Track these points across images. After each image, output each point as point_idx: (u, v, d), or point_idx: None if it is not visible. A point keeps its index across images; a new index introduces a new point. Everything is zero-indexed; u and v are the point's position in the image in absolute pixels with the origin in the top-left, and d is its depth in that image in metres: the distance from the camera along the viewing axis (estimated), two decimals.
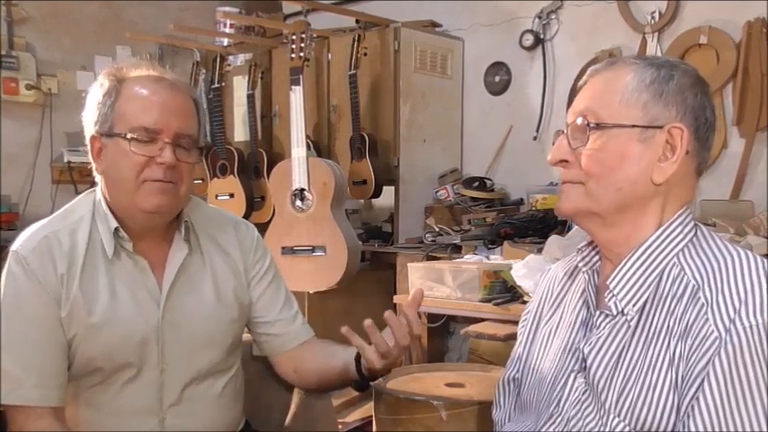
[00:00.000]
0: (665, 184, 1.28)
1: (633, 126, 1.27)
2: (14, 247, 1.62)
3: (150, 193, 1.59)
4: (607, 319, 1.32)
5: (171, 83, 1.65)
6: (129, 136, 1.57)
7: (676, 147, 1.27)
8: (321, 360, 1.80)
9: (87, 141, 1.66)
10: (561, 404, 1.35)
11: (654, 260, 1.29)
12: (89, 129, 1.65)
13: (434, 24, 4.72)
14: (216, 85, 4.69)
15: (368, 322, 1.53)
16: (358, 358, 1.70)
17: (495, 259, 3.47)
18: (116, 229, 1.63)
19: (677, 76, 1.28)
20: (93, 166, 1.67)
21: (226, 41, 5.25)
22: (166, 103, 1.61)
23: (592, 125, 1.28)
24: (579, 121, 1.30)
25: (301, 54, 4.05)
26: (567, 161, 1.33)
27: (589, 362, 1.31)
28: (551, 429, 1.36)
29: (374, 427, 1.98)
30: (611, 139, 1.28)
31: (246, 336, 1.89)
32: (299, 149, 3.97)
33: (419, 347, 1.61)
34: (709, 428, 1.13)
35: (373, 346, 1.56)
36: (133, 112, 1.59)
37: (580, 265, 1.43)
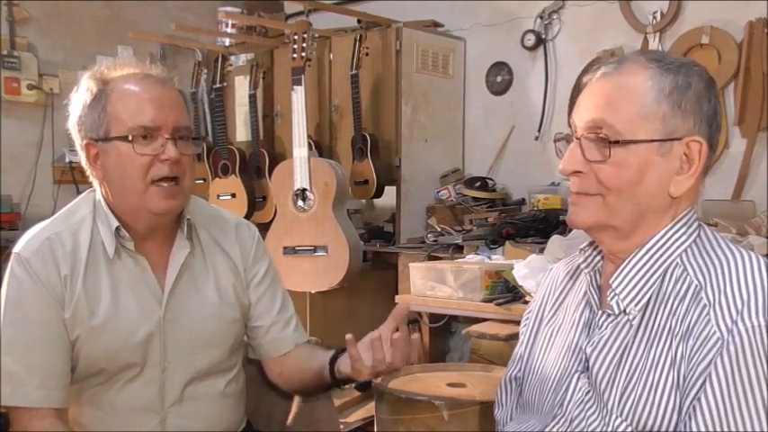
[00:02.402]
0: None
1: (653, 140, 1.25)
2: (17, 249, 1.61)
3: (158, 197, 1.58)
4: (609, 319, 1.32)
5: (157, 78, 1.63)
6: (130, 137, 1.56)
7: (694, 160, 1.25)
8: (302, 362, 1.79)
9: (81, 149, 1.64)
10: (565, 405, 1.35)
11: (657, 260, 1.28)
12: (80, 135, 1.62)
13: (436, 24, 4.73)
14: (218, 85, 4.69)
15: (375, 335, 1.55)
16: (332, 361, 1.70)
17: (497, 259, 3.47)
18: (117, 228, 1.63)
19: (694, 82, 1.25)
20: (91, 172, 1.65)
21: (227, 41, 5.26)
22: (159, 98, 1.59)
23: (612, 141, 1.25)
24: (594, 134, 1.27)
25: (303, 54, 4.05)
26: (580, 172, 1.31)
27: (591, 362, 1.31)
28: (555, 430, 1.36)
29: (376, 427, 1.98)
30: (631, 154, 1.25)
31: None
32: (300, 149, 3.97)
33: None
34: (711, 429, 1.13)
35: (372, 360, 1.56)
36: (128, 113, 1.57)
37: (582, 265, 1.43)
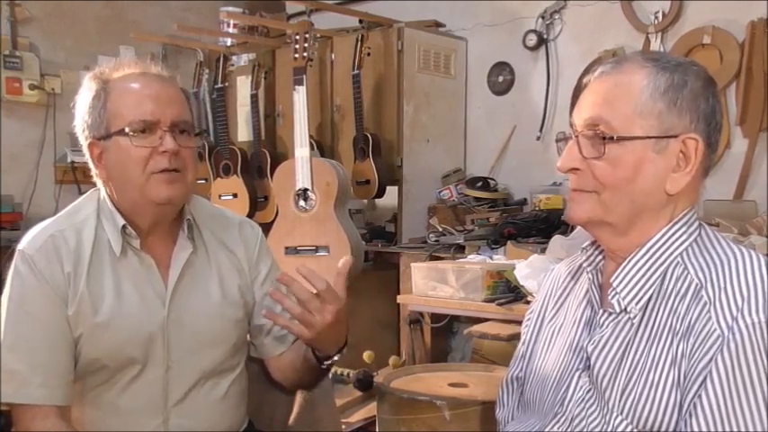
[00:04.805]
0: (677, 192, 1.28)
1: (648, 137, 1.26)
2: (21, 246, 1.62)
3: (159, 185, 1.59)
4: (610, 318, 1.32)
5: (157, 75, 1.65)
6: (127, 131, 1.57)
7: (690, 157, 1.26)
8: (294, 352, 1.79)
9: (85, 149, 1.65)
10: (565, 404, 1.35)
11: (657, 259, 1.29)
12: (85, 136, 1.64)
13: (438, 24, 4.73)
14: (219, 85, 4.69)
15: (270, 290, 1.56)
16: None
17: (499, 259, 3.47)
18: (123, 226, 1.63)
19: (690, 81, 1.26)
20: (96, 172, 1.67)
21: (229, 41, 5.26)
22: (158, 93, 1.61)
23: (607, 137, 1.26)
24: (591, 131, 1.28)
25: (305, 54, 4.05)
26: (578, 169, 1.32)
27: (593, 360, 1.31)
28: (555, 429, 1.36)
29: (377, 427, 1.99)
30: (626, 151, 1.26)
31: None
32: (302, 149, 3.98)
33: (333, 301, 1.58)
34: (712, 427, 1.13)
35: (289, 308, 1.56)
36: (127, 108, 1.59)
37: (584, 264, 1.43)
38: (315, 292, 1.56)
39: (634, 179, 1.27)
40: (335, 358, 1.70)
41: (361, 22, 4.55)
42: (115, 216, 1.64)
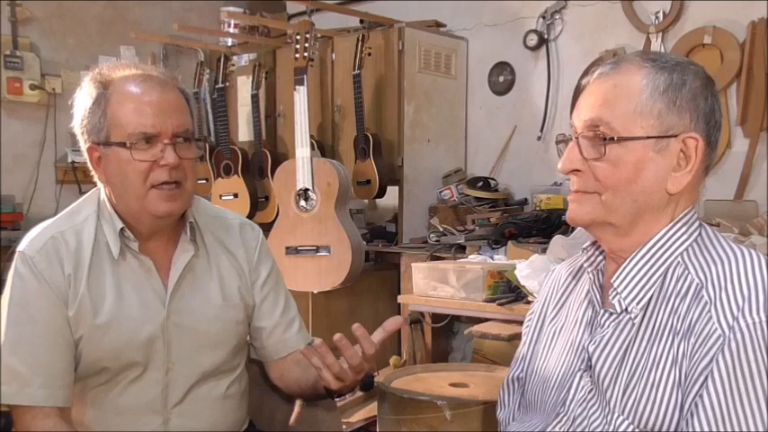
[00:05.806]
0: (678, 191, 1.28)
1: (648, 137, 1.26)
2: (21, 247, 1.62)
3: (159, 200, 1.58)
4: (611, 318, 1.32)
5: (158, 80, 1.62)
6: (128, 144, 1.56)
7: (691, 156, 1.26)
8: (301, 369, 1.78)
9: (84, 152, 1.64)
10: (567, 404, 1.35)
11: (658, 259, 1.29)
12: (84, 139, 1.63)
13: (438, 24, 4.73)
14: (220, 85, 4.69)
15: (336, 336, 1.49)
16: None
17: (500, 259, 3.47)
18: (121, 229, 1.63)
19: (689, 80, 1.26)
20: (95, 175, 1.66)
21: (230, 41, 5.26)
22: (159, 103, 1.58)
23: (608, 138, 1.26)
24: (592, 133, 1.28)
25: (305, 54, 4.05)
26: (579, 170, 1.32)
27: (594, 360, 1.31)
28: (557, 429, 1.36)
29: (378, 428, 1.99)
30: (627, 152, 1.26)
31: None
32: (303, 149, 3.98)
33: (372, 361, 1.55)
34: (713, 426, 1.13)
35: (330, 364, 1.52)
36: (128, 118, 1.56)
37: (585, 265, 1.43)
38: (361, 354, 1.51)
39: (635, 179, 1.27)
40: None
41: (362, 22, 4.55)
42: (114, 219, 1.64)
